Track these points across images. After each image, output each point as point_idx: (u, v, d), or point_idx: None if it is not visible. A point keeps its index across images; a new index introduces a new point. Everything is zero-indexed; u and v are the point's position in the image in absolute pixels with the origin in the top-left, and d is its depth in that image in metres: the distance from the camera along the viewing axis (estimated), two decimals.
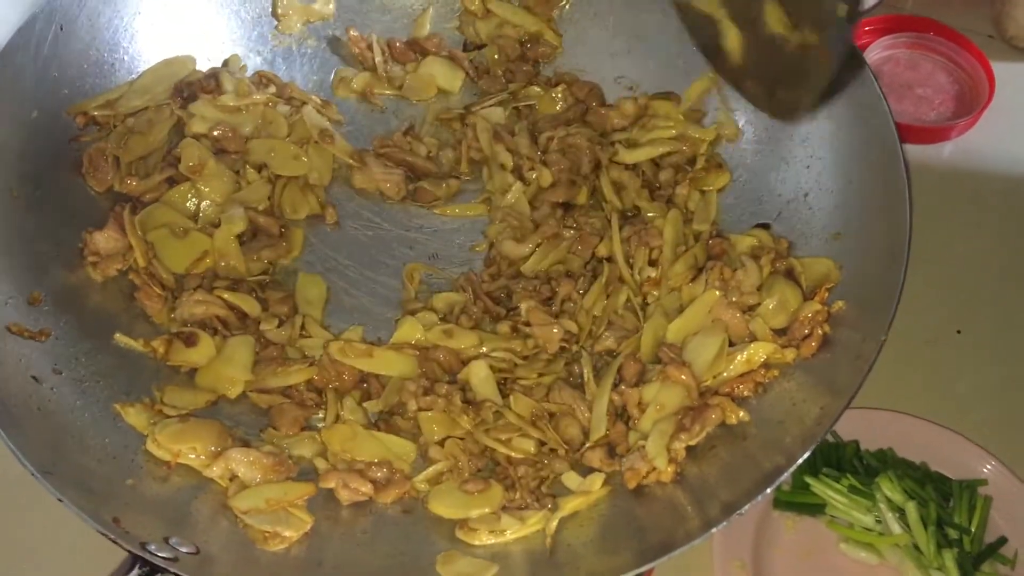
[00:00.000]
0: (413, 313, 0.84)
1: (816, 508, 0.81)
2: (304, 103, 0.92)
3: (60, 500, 0.65)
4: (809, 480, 0.81)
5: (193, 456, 0.74)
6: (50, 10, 0.84)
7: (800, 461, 0.68)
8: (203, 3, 0.93)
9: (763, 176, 0.88)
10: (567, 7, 0.97)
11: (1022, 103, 1.07)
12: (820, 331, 0.77)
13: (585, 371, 0.80)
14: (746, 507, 0.67)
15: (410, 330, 0.82)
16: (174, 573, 0.65)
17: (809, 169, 0.86)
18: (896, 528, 0.78)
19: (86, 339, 0.79)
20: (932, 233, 0.96)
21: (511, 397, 0.79)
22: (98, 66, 0.87)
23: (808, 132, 0.86)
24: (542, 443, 0.77)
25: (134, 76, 0.89)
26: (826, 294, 0.79)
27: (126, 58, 0.89)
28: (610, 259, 0.85)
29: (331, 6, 0.96)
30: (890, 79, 1.09)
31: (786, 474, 0.68)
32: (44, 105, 0.83)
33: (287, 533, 0.71)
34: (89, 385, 0.77)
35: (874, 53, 1.10)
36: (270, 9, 0.95)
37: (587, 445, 0.76)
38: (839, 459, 0.83)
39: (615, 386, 0.78)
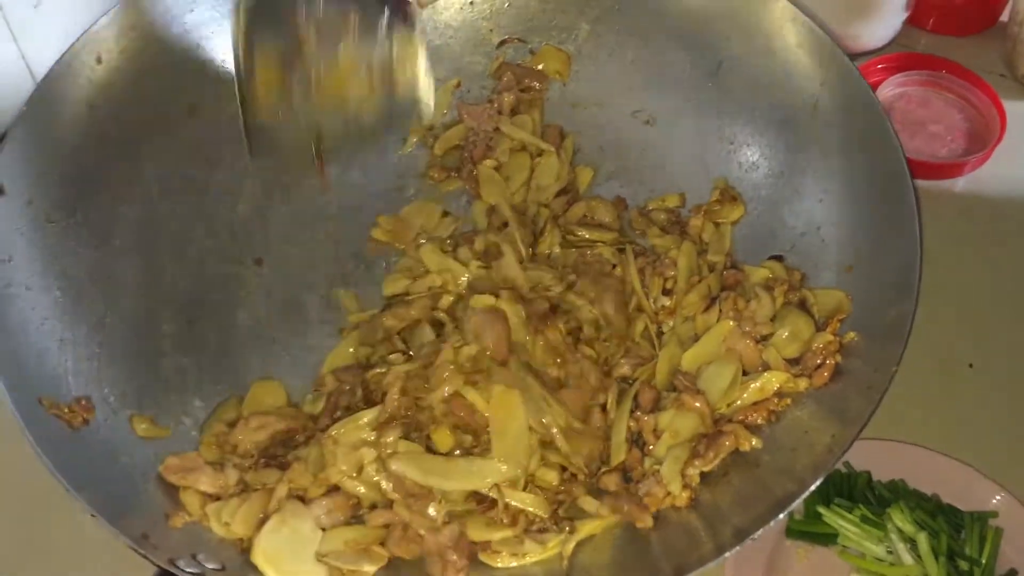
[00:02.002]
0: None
1: (828, 538, 0.82)
2: None
3: (93, 516, 0.67)
4: (821, 510, 0.81)
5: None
6: (90, 42, 0.86)
7: (812, 488, 0.69)
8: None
9: (777, 209, 0.90)
10: (584, 44, 0.99)
11: None
12: (832, 361, 0.78)
13: (609, 399, 0.81)
14: (758, 533, 0.68)
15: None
16: None
17: (822, 203, 0.87)
18: (908, 559, 0.79)
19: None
20: (945, 267, 0.97)
21: None
22: (134, 96, 0.89)
23: (821, 166, 0.88)
24: (563, 468, 0.78)
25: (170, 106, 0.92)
26: (838, 325, 0.80)
27: (163, 89, 0.91)
28: None
29: None
30: (903, 116, 1.10)
31: (797, 501, 0.69)
32: (80, 134, 0.85)
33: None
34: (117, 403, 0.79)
35: (887, 90, 1.12)
36: None
37: (603, 470, 0.78)
38: (851, 489, 0.84)
39: (631, 412, 0.80)
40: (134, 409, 0.79)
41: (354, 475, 0.74)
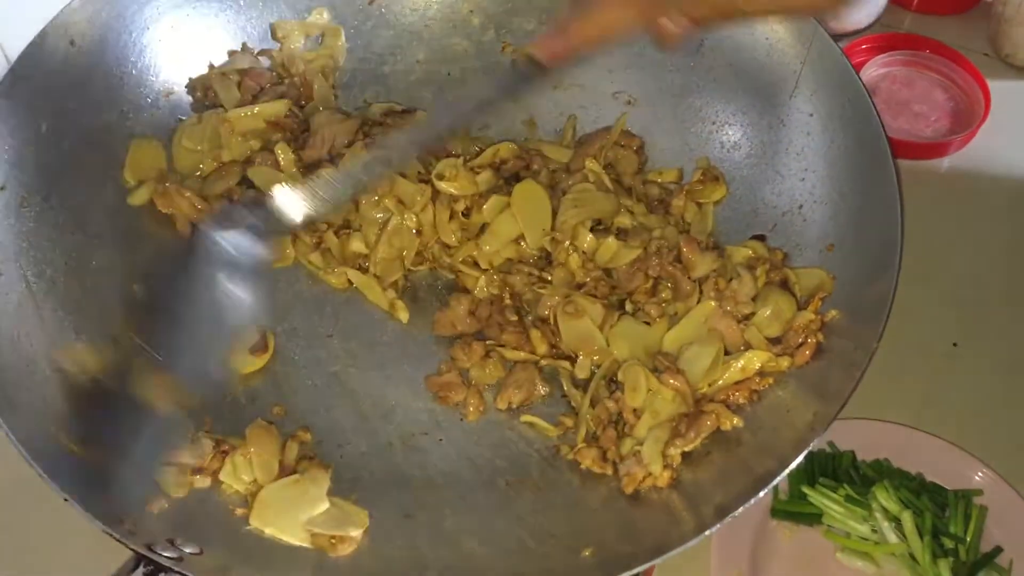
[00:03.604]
0: None
1: (813, 517, 0.82)
2: None
3: (66, 500, 0.66)
4: (806, 490, 0.81)
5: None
6: (62, 25, 0.86)
7: (793, 466, 0.69)
8: (210, 20, 0.95)
9: (759, 188, 0.90)
10: None
11: (1017, 119, 1.08)
12: (814, 340, 0.78)
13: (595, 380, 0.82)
14: (739, 510, 0.68)
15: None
16: (179, 572, 0.66)
17: (804, 182, 0.87)
18: (892, 537, 0.79)
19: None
20: (929, 247, 0.97)
21: None
22: (105, 80, 0.89)
23: (803, 145, 0.88)
24: None
25: (142, 89, 0.91)
26: (819, 304, 0.80)
27: (134, 72, 0.91)
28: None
29: (325, 16, 0.98)
30: (887, 96, 1.10)
31: (778, 479, 0.69)
32: (53, 118, 0.85)
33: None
34: None
35: (871, 71, 1.11)
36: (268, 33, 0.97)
37: (579, 445, 0.78)
38: (835, 469, 0.84)
39: (611, 393, 0.79)
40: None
41: None
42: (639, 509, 0.74)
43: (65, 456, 0.68)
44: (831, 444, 0.85)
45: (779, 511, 0.82)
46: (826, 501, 0.81)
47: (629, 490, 0.75)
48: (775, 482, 0.68)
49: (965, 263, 0.99)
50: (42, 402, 0.74)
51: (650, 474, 0.74)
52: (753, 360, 0.78)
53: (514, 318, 0.84)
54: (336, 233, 0.88)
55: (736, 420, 0.76)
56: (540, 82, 0.69)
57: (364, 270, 0.88)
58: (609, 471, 0.76)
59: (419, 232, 0.87)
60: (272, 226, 0.69)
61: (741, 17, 0.66)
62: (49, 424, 0.70)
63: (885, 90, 1.11)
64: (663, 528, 0.71)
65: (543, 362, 0.83)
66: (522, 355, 0.83)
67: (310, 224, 0.78)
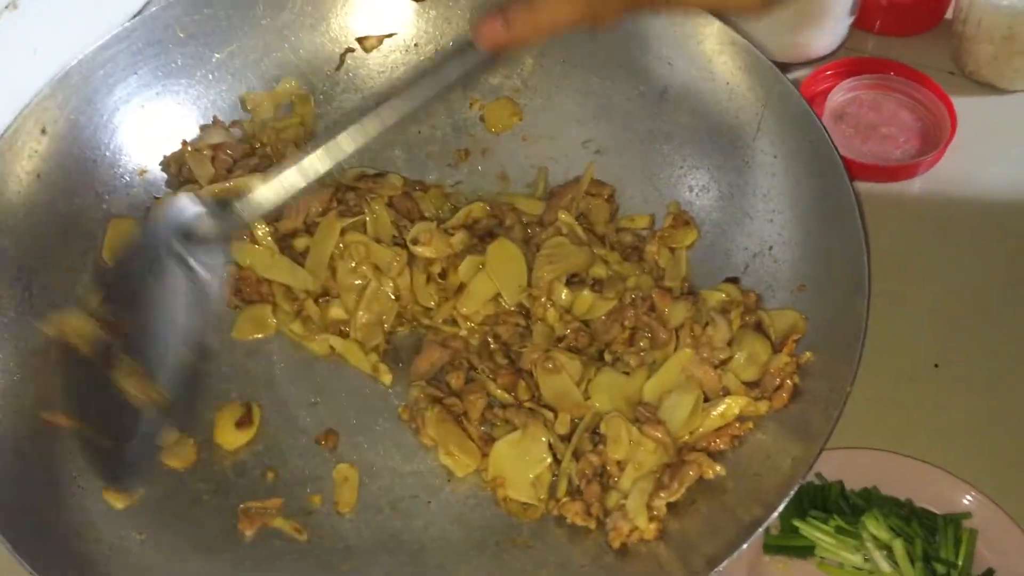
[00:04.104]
0: None
1: (806, 550, 0.82)
2: None
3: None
4: (797, 523, 0.82)
5: None
6: (33, 114, 0.87)
7: (778, 511, 0.70)
8: (180, 96, 0.96)
9: (729, 231, 0.91)
10: (530, 77, 0.99)
11: (984, 135, 1.09)
12: (790, 382, 0.79)
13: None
14: (725, 561, 0.68)
15: None
16: None
17: (772, 223, 0.88)
18: (884, 566, 0.79)
19: None
20: (906, 269, 0.98)
21: None
22: (79, 164, 0.90)
23: (769, 187, 0.89)
24: None
25: (116, 169, 0.92)
26: (794, 346, 0.81)
27: (107, 153, 0.92)
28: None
29: (293, 84, 0.99)
30: (855, 120, 1.11)
31: (765, 524, 0.70)
32: (29, 206, 0.86)
33: None
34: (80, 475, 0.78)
35: (838, 96, 1.12)
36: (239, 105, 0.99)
37: (562, 500, 0.79)
38: (825, 500, 0.84)
39: (594, 446, 0.80)
40: (98, 482, 0.78)
41: None
42: (628, 563, 0.74)
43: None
44: (819, 475, 0.85)
45: (771, 546, 0.82)
46: (817, 533, 0.81)
47: (616, 544, 0.75)
48: (761, 529, 0.69)
49: (942, 282, 1.00)
50: (29, 495, 0.75)
51: (636, 528, 0.75)
52: (732, 406, 0.79)
53: (505, 361, 0.86)
54: (315, 301, 0.89)
55: (719, 468, 0.76)
56: (490, 66, 0.68)
57: (345, 335, 0.89)
58: (593, 525, 0.77)
59: (397, 297, 0.88)
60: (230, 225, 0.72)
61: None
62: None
63: (852, 115, 1.12)
64: None
65: (527, 405, 0.84)
66: (509, 397, 0.84)
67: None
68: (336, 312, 0.88)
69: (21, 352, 0.82)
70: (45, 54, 0.92)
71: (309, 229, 0.90)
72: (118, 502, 0.78)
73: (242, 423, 0.84)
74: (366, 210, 0.90)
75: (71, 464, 0.78)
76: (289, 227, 0.89)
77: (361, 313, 0.87)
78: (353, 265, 0.87)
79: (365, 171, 0.95)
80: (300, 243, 0.89)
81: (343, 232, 0.89)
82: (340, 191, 0.92)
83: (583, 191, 0.94)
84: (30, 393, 0.80)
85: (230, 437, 0.84)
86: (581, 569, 0.75)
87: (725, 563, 0.69)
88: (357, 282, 0.88)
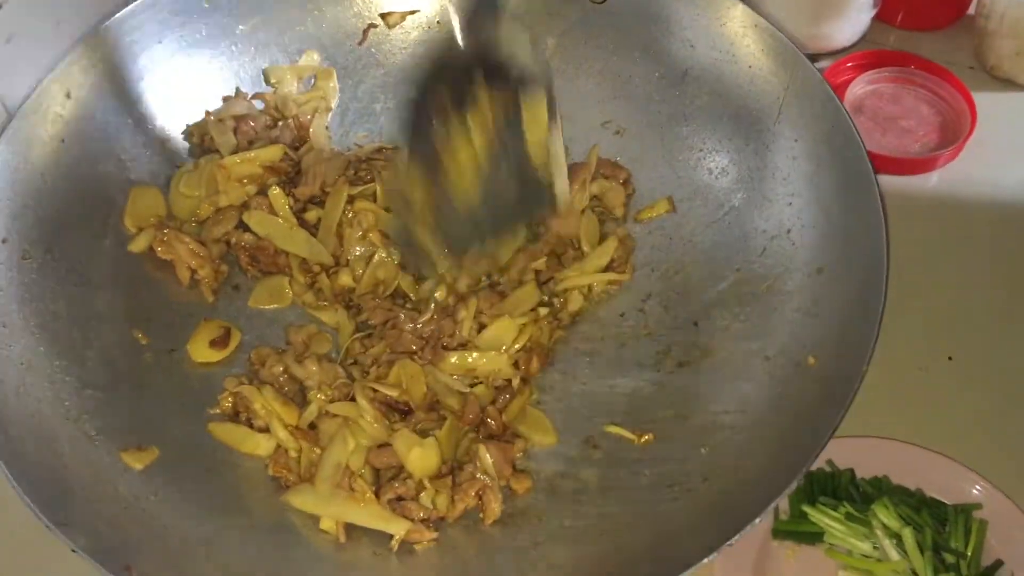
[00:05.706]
0: None
1: (815, 536, 0.82)
2: None
3: (74, 551, 0.67)
4: (806, 509, 0.82)
5: None
6: (59, 78, 0.87)
7: (779, 497, 0.71)
8: (203, 67, 0.97)
9: (747, 213, 0.91)
10: (552, 58, 0.99)
11: (1004, 132, 1.09)
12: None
13: None
14: (737, 536, 0.69)
15: None
16: None
17: (791, 206, 0.88)
18: (894, 554, 0.79)
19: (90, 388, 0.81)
20: (922, 261, 0.98)
21: None
22: (103, 130, 0.91)
23: (789, 170, 0.89)
24: None
25: (139, 137, 0.93)
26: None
27: (131, 121, 0.93)
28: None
29: (315, 58, 1.00)
30: (874, 113, 1.11)
31: (766, 511, 0.70)
32: (53, 170, 0.87)
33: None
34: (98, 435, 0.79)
35: (858, 88, 1.12)
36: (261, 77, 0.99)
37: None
38: (835, 487, 0.84)
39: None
40: (116, 442, 0.79)
41: None
42: (641, 531, 0.75)
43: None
44: (830, 462, 0.85)
45: (780, 531, 0.83)
46: (827, 520, 0.81)
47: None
48: (759, 519, 0.69)
49: (958, 275, 1.00)
50: (48, 452, 0.75)
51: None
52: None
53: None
54: (328, 273, 0.90)
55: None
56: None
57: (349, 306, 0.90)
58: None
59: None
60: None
61: None
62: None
63: (872, 107, 1.12)
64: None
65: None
66: None
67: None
68: (345, 279, 0.89)
69: (42, 313, 0.82)
70: (67, 26, 0.93)
71: (325, 197, 0.90)
72: (136, 463, 0.78)
73: (217, 343, 0.87)
74: (376, 179, 0.90)
75: (88, 424, 0.79)
76: (306, 193, 0.90)
77: (366, 280, 0.88)
78: (361, 233, 0.87)
79: (384, 145, 0.96)
80: (312, 215, 0.90)
81: (352, 200, 0.89)
82: (355, 161, 0.93)
83: (592, 173, 0.94)
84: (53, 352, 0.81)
85: (201, 352, 0.87)
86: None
87: (736, 538, 0.69)
88: (364, 251, 0.88)
